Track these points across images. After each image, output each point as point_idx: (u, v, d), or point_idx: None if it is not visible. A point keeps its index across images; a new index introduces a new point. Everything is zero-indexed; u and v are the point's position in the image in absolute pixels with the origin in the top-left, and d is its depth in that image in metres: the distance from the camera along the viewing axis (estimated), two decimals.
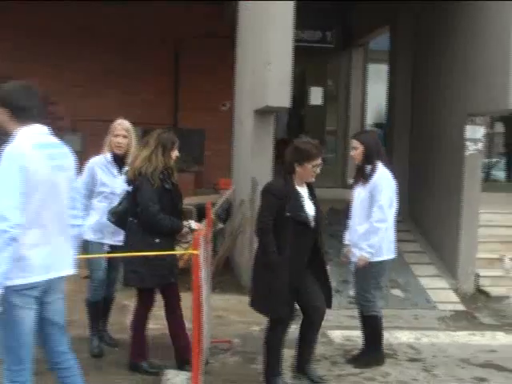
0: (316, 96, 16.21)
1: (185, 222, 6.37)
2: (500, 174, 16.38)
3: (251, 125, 9.56)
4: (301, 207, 5.98)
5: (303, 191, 6.11)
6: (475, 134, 10.37)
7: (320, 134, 16.73)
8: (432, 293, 9.93)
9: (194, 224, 6.44)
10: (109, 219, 6.50)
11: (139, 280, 6.22)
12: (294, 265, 5.92)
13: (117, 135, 6.76)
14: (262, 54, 9.01)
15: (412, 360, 7.29)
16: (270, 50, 8.75)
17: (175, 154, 6.36)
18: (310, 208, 6.07)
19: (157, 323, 6.77)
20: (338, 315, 8.67)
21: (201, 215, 9.53)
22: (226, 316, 8.42)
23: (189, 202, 9.97)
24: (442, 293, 10.02)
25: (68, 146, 4.65)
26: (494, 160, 16.52)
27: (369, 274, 6.73)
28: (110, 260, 6.87)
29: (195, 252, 5.42)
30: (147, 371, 6.35)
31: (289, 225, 5.90)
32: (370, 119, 16.68)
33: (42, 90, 14.01)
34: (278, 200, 5.94)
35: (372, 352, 6.98)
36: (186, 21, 14.18)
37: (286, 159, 6.11)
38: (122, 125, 6.80)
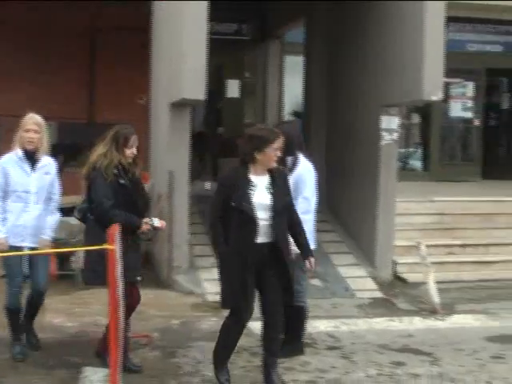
0: (233, 89, 16.23)
1: (147, 219, 6.21)
2: (416, 163, 16.71)
3: (167, 118, 9.51)
4: (246, 197, 5.76)
5: (261, 180, 5.86)
6: (390, 124, 10.53)
7: (238, 127, 16.78)
8: (351, 281, 10.05)
9: (156, 221, 6.28)
10: (75, 216, 6.36)
11: (98, 279, 5.97)
12: (240, 256, 5.78)
13: (28, 130, 6.50)
14: (177, 47, 8.97)
15: (331, 348, 7.36)
16: (185, 42, 8.71)
17: (130, 151, 6.18)
18: (262, 198, 5.81)
19: (75, 321, 6.66)
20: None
21: None
22: (145, 311, 8.29)
23: None
24: (360, 281, 10.15)
25: None
26: (411, 150, 16.85)
27: (296, 266, 6.73)
28: (31, 264, 6.56)
29: (110, 247, 5.36)
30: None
31: (234, 215, 5.78)
32: (287, 111, 16.76)
33: None
34: (225, 189, 5.87)
35: (293, 342, 7.00)
36: (101, 13, 13.97)
37: (241, 151, 5.93)
38: (32, 119, 6.55)
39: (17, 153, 6.56)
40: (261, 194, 5.82)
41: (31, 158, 6.57)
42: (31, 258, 6.55)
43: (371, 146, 10.67)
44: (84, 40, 14.36)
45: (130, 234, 6.14)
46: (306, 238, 6.17)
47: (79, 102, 14.35)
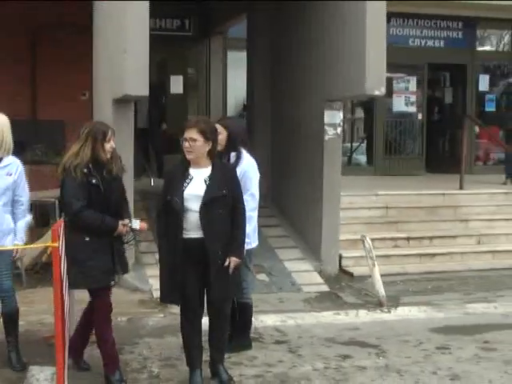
0: (176, 84, 16.14)
1: (125, 221, 6.03)
2: (361, 158, 16.88)
3: (110, 114, 9.39)
4: (177, 189, 5.78)
5: (200, 173, 5.84)
6: (334, 119, 10.58)
7: (181, 122, 16.68)
8: (297, 276, 10.09)
9: (136, 223, 6.09)
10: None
11: (72, 282, 5.87)
12: (172, 252, 5.80)
13: None
14: (119, 42, 8.87)
15: (278, 342, 7.39)
16: (127, 38, 8.62)
17: (110, 145, 5.96)
18: (195, 189, 5.78)
19: (21, 320, 6.56)
20: None
21: None
22: None
23: (52, 194, 9.72)
24: (306, 275, 10.19)
25: None
26: (355, 144, 17.01)
27: (242, 263, 6.72)
28: None
29: (54, 245, 5.30)
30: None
31: (169, 207, 5.81)
32: (230, 107, 16.77)
33: None
34: (165, 183, 6.00)
35: (241, 338, 7.01)
36: (43, 8, 13.76)
37: None
38: None
39: None
40: (196, 185, 5.81)
41: None
42: None
43: (315, 141, 10.71)
44: (25, 37, 14.12)
45: (108, 237, 5.95)
46: (239, 236, 6.01)
47: (22, 98, 14.14)
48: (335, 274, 10.48)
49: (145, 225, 6.23)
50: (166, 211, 5.85)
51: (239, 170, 6.55)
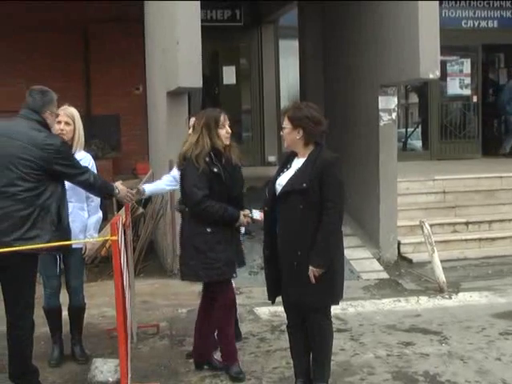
0: (229, 75, 16.16)
1: (246, 211, 5.91)
2: (416, 143, 16.71)
3: (164, 107, 9.46)
4: (272, 179, 5.56)
5: (298, 162, 5.42)
6: (388, 104, 10.49)
7: (235, 113, 16.73)
8: (356, 263, 10.03)
9: (256, 213, 5.94)
10: (176, 209, 6.19)
11: (193, 274, 5.86)
12: (267, 244, 5.57)
13: (59, 122, 6.16)
14: (171, 35, 8.90)
15: (339, 331, 7.33)
16: (179, 30, 8.64)
17: (225, 131, 5.85)
18: (283, 180, 5.42)
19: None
20: (264, 292, 8.67)
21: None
22: (151, 301, 8.35)
23: None
24: (365, 262, 10.14)
25: None
26: (410, 129, 16.84)
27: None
28: (66, 266, 6.31)
29: (113, 238, 5.32)
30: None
31: None
32: (283, 95, 16.72)
33: None
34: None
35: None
36: (94, 4, 13.87)
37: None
38: (64, 110, 6.23)
39: None
40: (287, 176, 5.41)
41: None
42: (64, 258, 6.29)
43: (370, 127, 10.63)
44: (77, 33, 14.25)
45: (228, 227, 5.83)
46: (320, 240, 5.20)
47: (76, 95, 14.25)
48: (394, 261, 10.40)
49: (262, 215, 5.84)
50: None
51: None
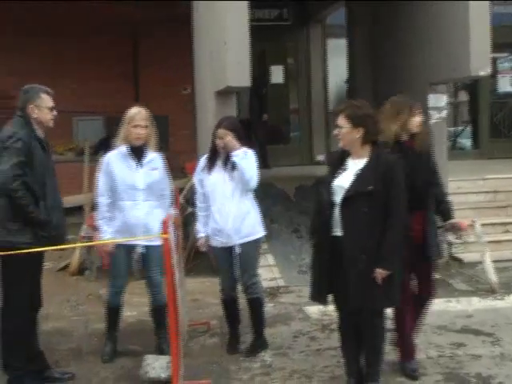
0: (277, 75, 16.17)
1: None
2: (466, 141, 16.52)
3: (213, 107, 9.49)
4: (326, 180, 5.39)
5: (355, 164, 5.28)
6: (438, 102, 10.40)
7: (284, 113, 16.74)
8: None
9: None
10: None
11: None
12: (321, 247, 5.47)
13: (136, 126, 6.29)
14: (219, 35, 8.93)
15: (391, 330, 7.29)
16: (227, 30, 8.67)
17: (418, 119, 5.74)
18: (342, 181, 5.28)
19: (133, 310, 6.70)
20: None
21: None
22: (202, 299, 8.40)
23: None
24: None
25: None
26: (459, 128, 16.66)
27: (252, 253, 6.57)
28: (146, 264, 6.40)
29: (165, 236, 5.37)
30: (410, 375, 5.95)
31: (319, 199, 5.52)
32: (331, 94, 16.68)
33: (2, 85, 13.67)
34: (326, 173, 5.56)
35: (255, 337, 6.69)
36: (143, 6, 13.98)
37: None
38: (140, 115, 6.34)
39: (121, 150, 6.38)
40: (346, 177, 5.25)
41: (137, 153, 6.37)
42: (145, 256, 6.39)
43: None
44: (126, 34, 14.39)
45: None
46: (385, 243, 5.17)
47: (124, 95, 14.40)
48: (445, 261, 10.25)
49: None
50: (318, 203, 5.49)
51: None
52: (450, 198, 10.11)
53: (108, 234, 6.32)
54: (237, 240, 6.37)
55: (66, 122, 12.46)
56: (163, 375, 5.63)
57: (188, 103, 13.04)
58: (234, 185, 6.38)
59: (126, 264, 6.40)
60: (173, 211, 6.55)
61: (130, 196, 6.30)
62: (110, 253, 6.36)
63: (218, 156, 6.49)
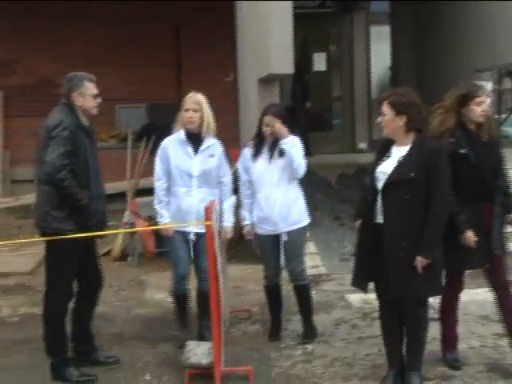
0: (319, 62, 16.11)
1: None
2: (509, 129, 16.32)
3: (256, 94, 9.51)
4: (371, 167, 5.38)
5: (399, 151, 5.25)
6: None
7: (326, 100, 16.68)
8: None
9: None
10: None
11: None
12: (364, 233, 5.46)
13: (187, 109, 6.30)
14: (263, 22, 8.93)
15: (432, 319, 7.21)
16: (270, 17, 8.67)
17: (481, 108, 5.52)
18: (384, 168, 5.26)
19: None
20: None
21: None
22: (243, 286, 8.44)
23: None
24: None
25: None
26: (504, 116, 16.46)
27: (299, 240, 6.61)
28: (196, 250, 6.37)
29: (208, 223, 5.40)
30: (452, 365, 5.88)
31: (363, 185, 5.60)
32: (374, 82, 16.57)
33: (46, 73, 13.81)
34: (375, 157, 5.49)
35: (304, 326, 6.69)
36: None
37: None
38: (192, 98, 6.35)
39: (179, 134, 6.39)
40: (388, 164, 5.22)
41: (195, 139, 6.37)
42: (195, 242, 6.39)
43: None
44: (168, 22, 14.40)
45: None
46: (427, 231, 5.11)
47: (167, 83, 14.45)
48: None
49: None
50: (363, 190, 5.54)
51: None
52: None
53: (166, 219, 6.37)
54: (284, 228, 6.37)
55: (108, 109, 12.53)
56: (204, 361, 5.66)
57: (231, 91, 13.03)
58: (281, 172, 6.38)
59: (185, 250, 6.38)
60: (233, 199, 6.60)
61: (184, 182, 6.31)
62: (169, 237, 6.43)
63: (264, 143, 6.48)
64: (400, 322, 5.47)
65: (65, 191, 5.56)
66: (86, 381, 5.77)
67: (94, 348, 6.15)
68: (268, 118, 6.39)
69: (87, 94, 5.84)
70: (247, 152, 6.59)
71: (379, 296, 5.51)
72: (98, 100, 5.93)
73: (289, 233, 6.39)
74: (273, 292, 6.65)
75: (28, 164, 13.69)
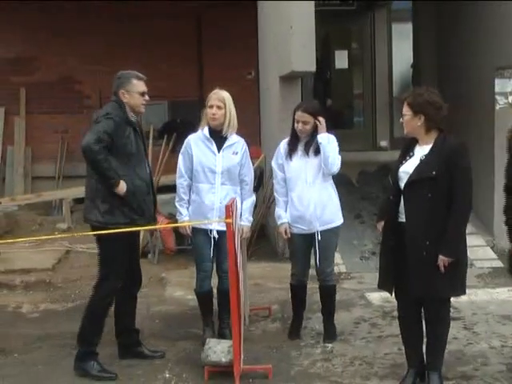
0: (341, 59, 16.09)
1: None
2: None
3: (277, 91, 9.49)
4: (395, 166, 5.45)
5: (421, 150, 5.29)
6: (505, 87, 10.18)
7: (348, 98, 16.64)
8: (469, 250, 9.68)
9: None
10: None
11: None
12: (387, 233, 5.47)
13: (211, 106, 6.31)
14: (285, 19, 8.92)
15: (452, 319, 7.07)
16: (292, 14, 8.65)
17: None
18: (407, 167, 5.30)
19: (193, 294, 6.74)
20: (376, 278, 8.61)
21: None
22: (263, 283, 8.43)
23: None
24: (479, 250, 9.91)
25: None
26: None
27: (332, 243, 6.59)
28: (218, 248, 6.32)
29: (228, 220, 5.41)
30: None
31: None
32: (396, 80, 16.51)
33: (67, 70, 13.87)
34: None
35: (326, 327, 6.66)
36: None
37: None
38: (216, 94, 6.36)
39: (203, 130, 6.40)
40: (411, 163, 5.26)
41: (218, 136, 6.38)
42: (217, 240, 6.34)
43: (485, 111, 10.36)
44: (190, 19, 14.42)
45: None
46: (450, 229, 5.15)
47: (189, 80, 14.47)
48: (508, 249, 10.11)
49: None
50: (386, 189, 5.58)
51: None
52: None
53: (184, 217, 6.39)
54: (318, 227, 6.36)
55: None
56: (224, 359, 5.67)
57: (252, 88, 13.03)
58: (316, 171, 6.37)
59: (208, 248, 6.36)
60: (253, 198, 6.59)
61: (207, 179, 6.32)
62: (188, 236, 6.50)
63: (299, 141, 6.47)
64: (420, 322, 5.45)
65: (99, 165, 5.65)
66: (105, 377, 5.80)
67: (139, 342, 6.24)
68: (299, 114, 6.40)
69: (134, 92, 5.95)
70: (282, 149, 6.57)
71: (399, 297, 5.48)
72: (146, 97, 6.04)
73: (322, 232, 6.37)
74: (299, 290, 6.62)
75: (49, 161, 13.93)
